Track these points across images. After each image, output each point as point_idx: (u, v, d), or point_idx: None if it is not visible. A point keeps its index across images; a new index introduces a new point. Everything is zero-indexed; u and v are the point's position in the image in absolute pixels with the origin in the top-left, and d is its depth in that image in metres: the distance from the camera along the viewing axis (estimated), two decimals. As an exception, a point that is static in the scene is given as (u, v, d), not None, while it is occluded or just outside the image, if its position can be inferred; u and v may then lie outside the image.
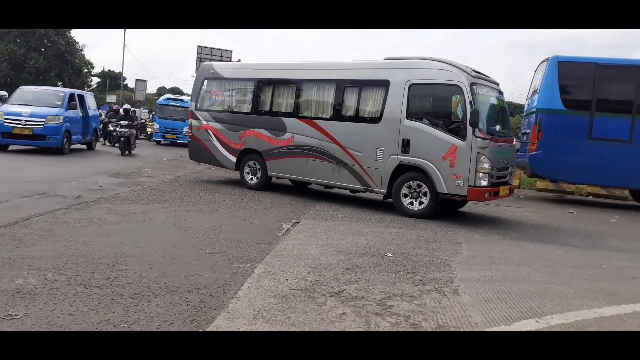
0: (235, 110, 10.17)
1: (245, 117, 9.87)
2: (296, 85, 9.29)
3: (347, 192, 9.67)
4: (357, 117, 8.57)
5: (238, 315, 3.45)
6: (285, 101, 9.50)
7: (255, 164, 9.82)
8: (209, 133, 10.28)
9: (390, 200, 8.36)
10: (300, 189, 10.56)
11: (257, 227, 6.51)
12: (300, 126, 9.10)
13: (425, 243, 6.20)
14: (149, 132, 23.59)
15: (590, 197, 14.05)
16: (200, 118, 10.46)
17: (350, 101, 8.71)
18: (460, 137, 7.54)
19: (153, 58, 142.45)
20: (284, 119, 9.32)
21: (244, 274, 4.41)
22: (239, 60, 20.57)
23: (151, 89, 61.56)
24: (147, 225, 6.20)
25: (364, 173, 8.41)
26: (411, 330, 3.42)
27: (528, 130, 12.55)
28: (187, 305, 3.58)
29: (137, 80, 40.60)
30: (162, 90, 61.25)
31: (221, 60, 26.78)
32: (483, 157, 7.44)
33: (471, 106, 7.41)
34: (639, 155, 11.20)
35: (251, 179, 9.94)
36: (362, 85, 8.54)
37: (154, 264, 4.51)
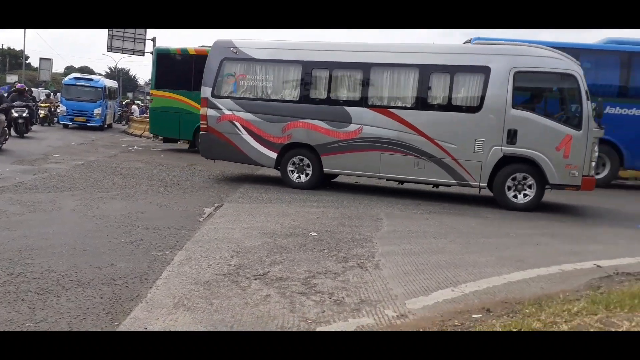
0: (274, 97, 8.72)
1: (290, 107, 8.54)
2: (364, 70, 8.24)
3: (272, 173, 9.59)
4: (449, 106, 7.93)
5: (157, 305, 3.32)
6: (348, 88, 8.48)
7: (303, 160, 8.56)
8: (235, 125, 8.69)
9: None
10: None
11: (176, 213, 6.30)
12: (372, 116, 8.12)
13: (349, 220, 6.31)
14: (41, 115, 20.98)
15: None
16: (222, 107, 8.76)
17: (439, 88, 8.01)
18: (574, 126, 7.41)
19: (60, 35, 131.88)
20: (347, 108, 8.25)
21: (162, 262, 4.24)
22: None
23: (58, 68, 57.24)
24: (55, 215, 5.79)
25: (457, 166, 7.81)
26: (335, 306, 3.47)
27: None
28: (101, 298, 3.39)
29: (41, 59, 37.55)
30: (70, 70, 57.19)
31: (135, 40, 25.28)
32: (596, 146, 7.42)
33: (587, 96, 7.35)
34: None
35: (298, 177, 8.61)
36: (454, 71, 7.83)
37: (63, 256, 4.22)
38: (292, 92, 8.63)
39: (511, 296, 3.87)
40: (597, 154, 7.59)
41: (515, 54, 7.74)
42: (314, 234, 5.49)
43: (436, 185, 8.53)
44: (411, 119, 7.96)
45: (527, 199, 7.67)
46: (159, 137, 16.08)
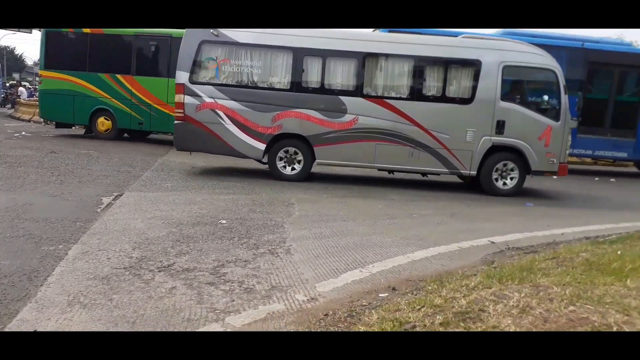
0: (262, 85, 8.21)
1: (281, 95, 8.14)
2: (358, 59, 8.09)
3: (176, 159, 9.20)
4: (443, 98, 8.16)
5: (49, 304, 3.04)
6: (343, 77, 8.20)
7: (294, 152, 8.29)
8: (217, 114, 8.13)
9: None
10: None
11: (71, 204, 5.82)
12: (367, 106, 8.08)
13: (260, 207, 6.24)
14: None
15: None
16: (201, 94, 8.11)
17: (433, 80, 8.19)
18: (553, 118, 8.03)
19: None
20: (342, 97, 8.10)
21: (55, 257, 3.90)
22: None
23: None
24: None
25: (450, 155, 8.10)
26: (245, 294, 3.41)
27: None
28: (-20, 301, 3.04)
29: None
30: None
31: None
32: (570, 136, 8.16)
33: (565, 90, 8.02)
34: None
35: (287, 168, 8.36)
36: (448, 63, 8.10)
37: None
38: (282, 80, 8.23)
39: (415, 274, 4.04)
40: (570, 143, 8.38)
41: (504, 48, 8.19)
42: (224, 221, 5.35)
43: (426, 174, 8.80)
44: (407, 109, 8.08)
45: (512, 185, 8.29)
46: (51, 122, 14.77)
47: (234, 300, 3.29)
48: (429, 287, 3.46)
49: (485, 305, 2.89)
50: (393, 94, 8.22)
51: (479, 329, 2.61)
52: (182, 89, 8.14)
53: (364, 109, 8.10)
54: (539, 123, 8.10)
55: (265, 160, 8.47)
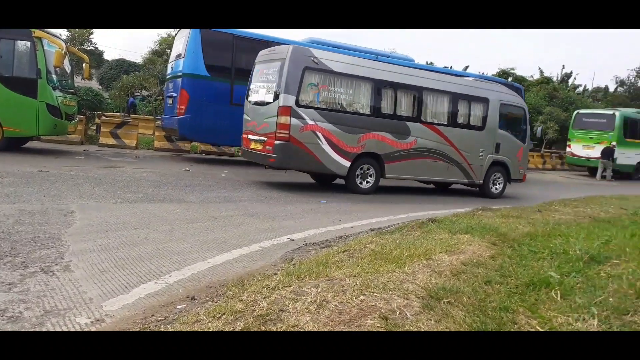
0: (351, 110, 9.23)
1: (365, 119, 9.32)
2: (417, 91, 9.84)
3: None
4: (468, 125, 10.58)
5: None
6: (408, 106, 9.82)
7: (367, 168, 9.45)
8: (316, 135, 8.82)
9: None
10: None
11: None
12: (423, 130, 9.89)
13: (30, 217, 5.29)
14: None
15: (204, 155, 15.34)
16: (305, 117, 8.69)
17: (462, 111, 10.51)
18: (522, 140, 11.48)
19: None
20: (408, 123, 9.73)
21: None
22: None
23: None
24: None
25: (470, 169, 10.58)
26: (10, 324, 2.79)
27: (174, 94, 12.60)
28: None
29: None
30: None
31: None
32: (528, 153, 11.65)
33: (529, 122, 11.72)
34: None
35: (362, 183, 9.48)
36: (470, 99, 10.55)
37: None
38: (366, 106, 9.39)
39: (216, 279, 3.88)
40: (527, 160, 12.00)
41: (500, 90, 11.42)
42: (-21, 237, 4.38)
43: (448, 184, 11.52)
44: (447, 133, 10.21)
45: (500, 189, 11.27)
46: None
47: (-10, 336, 2.66)
48: (230, 292, 3.34)
49: (286, 304, 2.88)
50: (438, 121, 10.23)
51: (280, 330, 2.58)
52: (288, 111, 8.57)
53: (421, 132, 9.94)
54: (517, 144, 11.38)
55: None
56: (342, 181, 9.76)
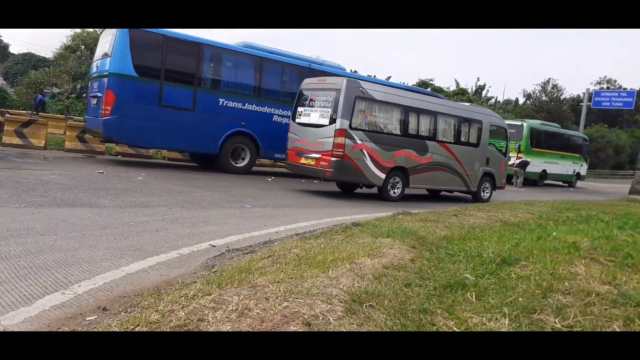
0: (387, 131, 10.93)
1: (396, 139, 11.05)
2: (434, 115, 11.80)
3: None
4: (468, 142, 12.64)
5: None
6: (426, 127, 11.66)
7: (395, 179, 11.11)
8: (363, 153, 10.43)
9: None
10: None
11: None
12: (438, 147, 11.77)
13: None
14: None
15: (119, 157, 14.57)
16: (356, 137, 10.32)
17: (464, 131, 12.58)
18: (503, 155, 13.73)
19: None
20: (427, 141, 11.56)
21: None
22: None
23: None
24: None
25: (468, 179, 12.59)
26: None
27: (100, 94, 11.85)
28: None
29: None
30: None
31: None
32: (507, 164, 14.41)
33: (508, 138, 14.04)
34: (200, 123, 12.44)
35: (394, 192, 11.18)
36: (470, 121, 12.67)
37: None
38: (397, 127, 11.18)
39: (130, 289, 3.66)
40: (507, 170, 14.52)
41: (489, 114, 13.76)
42: None
43: (450, 191, 13.20)
44: (453, 149, 12.18)
45: (488, 195, 13.37)
46: None
47: None
48: (146, 302, 3.14)
49: (205, 314, 2.76)
50: (447, 140, 12.15)
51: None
52: (344, 133, 10.13)
53: (436, 149, 11.82)
54: (500, 158, 13.57)
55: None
56: (264, 185, 9.63)
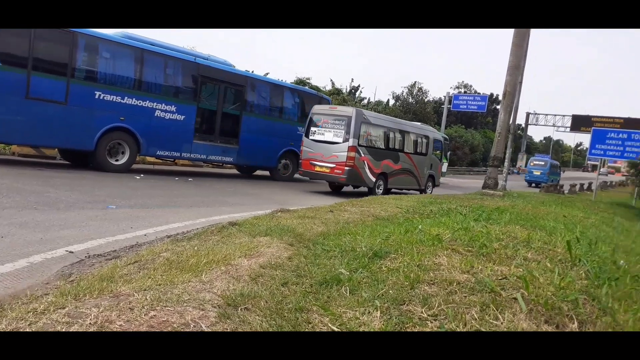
0: (377, 146, 14.86)
1: (382, 151, 15.01)
2: (402, 133, 16.08)
3: None
4: (421, 153, 16.98)
5: None
6: (397, 142, 15.80)
7: (379, 182, 15.03)
8: (364, 163, 14.22)
9: None
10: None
11: None
12: (404, 157, 16.02)
13: None
14: None
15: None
16: (360, 152, 14.00)
17: (419, 144, 16.91)
18: (440, 160, 18.43)
19: None
20: (398, 153, 15.78)
21: None
22: None
23: None
24: None
25: (420, 180, 16.86)
26: None
27: None
28: None
29: None
30: None
31: None
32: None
33: (444, 148, 20.18)
34: (73, 117, 11.22)
35: (378, 191, 14.90)
36: (422, 137, 17.11)
37: None
38: (382, 143, 15.05)
39: (-37, 308, 3.11)
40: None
41: (433, 131, 18.44)
42: None
43: (408, 189, 16.71)
44: (413, 158, 16.37)
45: (430, 191, 17.30)
46: None
47: None
48: (-12, 322, 2.69)
49: (57, 330, 2.44)
50: (410, 151, 16.22)
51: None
52: (354, 149, 13.80)
53: (404, 158, 15.88)
54: (438, 163, 18.08)
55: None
56: (133, 184, 8.96)
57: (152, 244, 5.06)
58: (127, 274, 3.61)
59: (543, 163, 42.51)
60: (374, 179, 14.51)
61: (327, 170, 13.87)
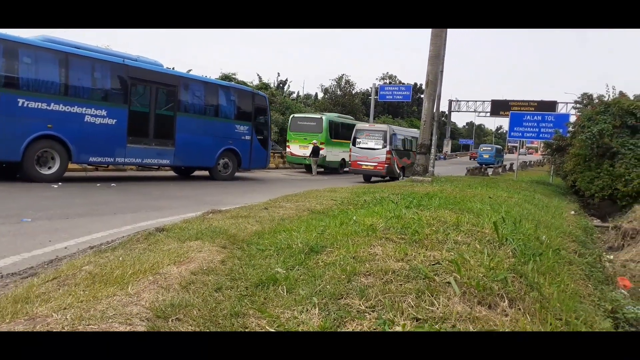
0: (399, 149, 21.64)
1: (401, 152, 21.71)
2: (404, 137, 23.07)
3: None
4: (408, 150, 22.51)
5: None
6: (407, 144, 22.84)
7: (401, 172, 20.82)
8: (394, 161, 20.79)
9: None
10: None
11: None
12: (403, 153, 22.47)
13: None
14: None
15: None
16: (393, 154, 20.70)
17: (407, 142, 22.76)
18: (412, 152, 22.48)
19: None
20: (409, 152, 22.43)
21: None
22: None
23: None
24: None
25: (405, 168, 21.99)
26: None
27: None
28: None
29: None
30: None
31: None
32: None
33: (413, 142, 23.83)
34: None
35: (402, 179, 18.96)
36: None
37: None
38: (401, 147, 22.05)
39: None
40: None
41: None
42: None
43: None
44: (404, 154, 22.19)
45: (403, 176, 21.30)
46: None
47: None
48: None
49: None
50: (405, 149, 22.43)
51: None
52: (390, 153, 20.54)
53: (405, 154, 22.16)
54: (410, 154, 22.37)
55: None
56: (50, 193, 8.32)
57: (73, 257, 4.72)
58: (45, 292, 3.33)
59: (490, 148, 57.69)
60: (399, 171, 21.11)
61: (372, 167, 20.92)
